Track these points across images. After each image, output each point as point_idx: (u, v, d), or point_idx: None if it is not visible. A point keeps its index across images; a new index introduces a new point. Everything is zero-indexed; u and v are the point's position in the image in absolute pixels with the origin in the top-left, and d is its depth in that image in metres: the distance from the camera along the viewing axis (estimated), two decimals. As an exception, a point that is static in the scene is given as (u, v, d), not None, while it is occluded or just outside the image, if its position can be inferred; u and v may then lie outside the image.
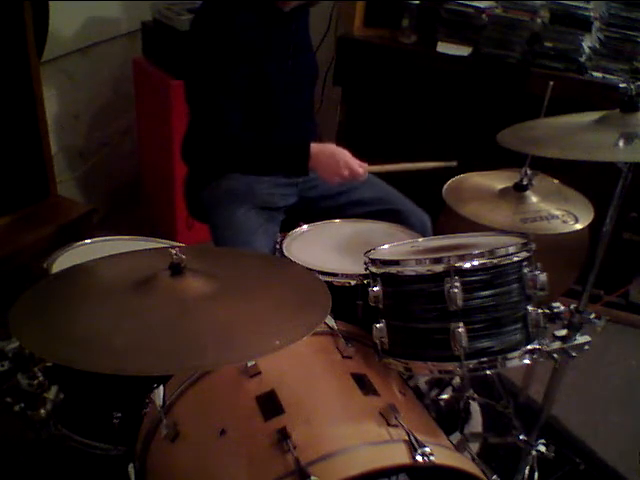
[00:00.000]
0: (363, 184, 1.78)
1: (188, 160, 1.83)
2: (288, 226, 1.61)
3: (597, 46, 2.38)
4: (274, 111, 1.68)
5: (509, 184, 1.50)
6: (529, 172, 1.45)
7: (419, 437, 0.93)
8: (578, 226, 1.38)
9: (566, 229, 1.37)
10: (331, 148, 1.59)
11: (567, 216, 1.40)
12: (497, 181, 1.55)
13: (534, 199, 1.47)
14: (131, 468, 1.10)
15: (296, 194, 1.78)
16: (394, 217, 1.69)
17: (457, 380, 1.61)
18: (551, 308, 1.29)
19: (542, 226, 1.37)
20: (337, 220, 1.67)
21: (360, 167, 1.58)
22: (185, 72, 1.72)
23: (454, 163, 1.60)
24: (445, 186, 1.54)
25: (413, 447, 0.91)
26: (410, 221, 1.69)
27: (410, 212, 1.73)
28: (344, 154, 1.58)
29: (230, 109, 1.58)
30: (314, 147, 1.58)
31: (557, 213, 1.41)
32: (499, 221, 1.38)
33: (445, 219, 1.72)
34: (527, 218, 1.40)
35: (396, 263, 1.14)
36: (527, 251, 1.14)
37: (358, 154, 1.79)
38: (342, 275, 1.33)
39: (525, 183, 1.46)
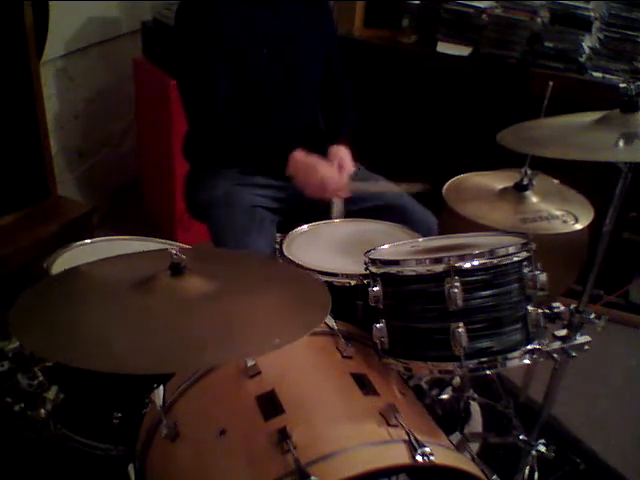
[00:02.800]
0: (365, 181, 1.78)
1: (189, 157, 1.83)
2: (288, 226, 1.61)
3: (597, 46, 2.38)
4: (260, 106, 1.70)
5: (509, 184, 1.50)
6: (529, 172, 1.45)
7: (419, 437, 0.93)
8: (578, 226, 1.38)
9: (566, 229, 1.37)
10: (313, 162, 1.58)
11: (567, 216, 1.40)
12: (497, 181, 1.55)
13: (534, 199, 1.47)
14: (131, 468, 1.09)
15: (294, 197, 1.77)
16: (397, 214, 1.66)
17: (457, 380, 1.61)
18: (551, 308, 1.29)
19: (542, 226, 1.37)
20: (337, 220, 1.67)
21: (338, 188, 1.57)
22: (173, 64, 1.76)
23: (427, 187, 1.58)
24: (445, 186, 1.54)
25: (413, 447, 0.91)
26: (414, 219, 1.66)
27: (414, 210, 1.70)
28: (325, 171, 1.57)
29: (215, 90, 1.62)
30: (297, 155, 1.58)
31: (557, 213, 1.41)
32: (499, 221, 1.38)
33: (445, 219, 1.72)
34: (527, 218, 1.40)
35: (396, 263, 1.14)
36: (527, 251, 1.14)
37: (358, 154, 1.79)
38: (342, 275, 1.33)
39: (525, 183, 1.46)
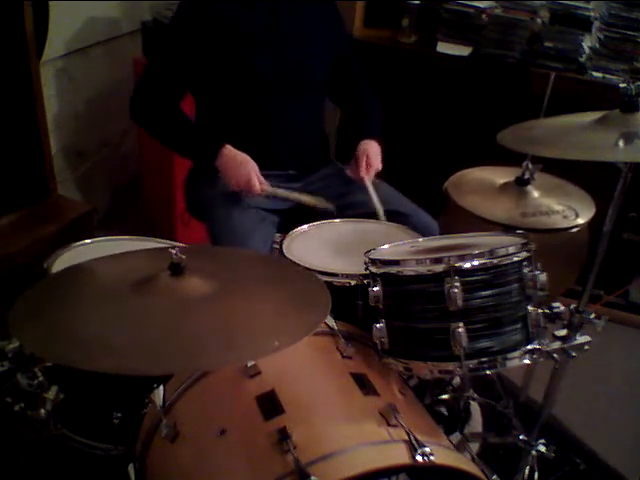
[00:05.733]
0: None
1: None
2: (287, 227, 1.61)
3: (597, 46, 2.38)
4: (261, 104, 1.70)
5: (510, 178, 1.50)
6: (530, 166, 1.45)
7: (419, 437, 0.93)
8: (579, 221, 1.38)
9: (566, 224, 1.37)
10: (243, 157, 1.62)
11: (567, 211, 1.40)
12: (499, 176, 1.56)
13: (535, 194, 1.47)
14: (131, 468, 1.09)
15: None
16: (400, 220, 1.65)
17: (457, 380, 1.61)
18: (551, 308, 1.29)
19: (542, 221, 1.37)
20: (337, 220, 1.66)
21: (260, 184, 1.61)
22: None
23: (331, 206, 1.66)
24: (448, 180, 1.55)
25: (413, 447, 0.91)
26: (417, 225, 1.64)
27: (417, 216, 1.69)
28: (252, 167, 1.61)
29: (163, 78, 1.67)
30: (228, 149, 1.61)
31: (558, 208, 1.41)
32: (499, 215, 1.38)
33: (446, 218, 1.72)
34: (527, 212, 1.40)
35: (396, 263, 1.14)
36: (527, 251, 1.14)
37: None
38: (342, 275, 1.33)
39: (527, 177, 1.46)
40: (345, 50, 1.86)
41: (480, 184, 1.55)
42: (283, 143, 1.74)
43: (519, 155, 1.34)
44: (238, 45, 1.63)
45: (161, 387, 1.11)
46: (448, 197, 1.52)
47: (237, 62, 1.64)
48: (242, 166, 1.60)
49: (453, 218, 1.61)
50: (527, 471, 1.49)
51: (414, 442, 0.91)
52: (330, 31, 1.80)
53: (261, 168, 1.71)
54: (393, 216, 1.66)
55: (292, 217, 1.73)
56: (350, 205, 1.73)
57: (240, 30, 1.63)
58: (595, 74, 2.38)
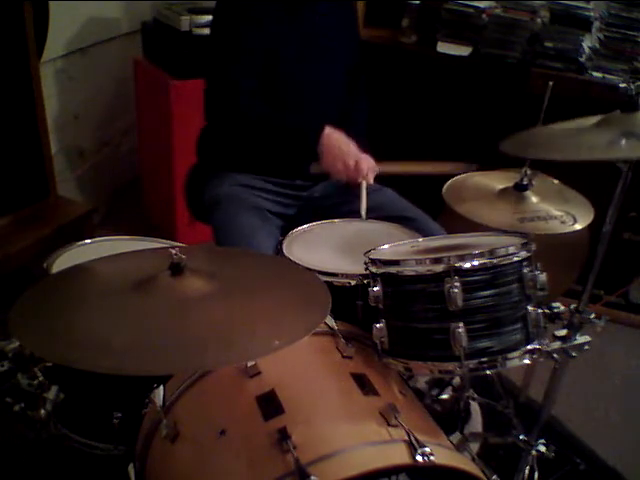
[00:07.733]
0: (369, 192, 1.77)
1: (201, 153, 1.83)
2: (288, 227, 1.61)
3: (597, 46, 2.38)
4: (280, 103, 1.68)
5: (509, 184, 1.50)
6: (529, 172, 1.45)
7: (419, 437, 0.93)
8: (577, 227, 1.38)
9: (564, 230, 1.37)
10: (345, 137, 1.58)
11: (566, 217, 1.40)
12: (497, 181, 1.55)
13: (534, 199, 1.47)
14: (131, 468, 1.10)
15: (297, 205, 1.77)
16: (403, 225, 1.63)
17: (457, 380, 1.61)
18: (551, 308, 1.29)
19: (540, 226, 1.37)
20: (337, 220, 1.66)
21: (370, 168, 1.56)
22: (205, 47, 1.74)
23: (473, 167, 1.54)
24: (445, 185, 1.54)
25: (413, 447, 0.91)
26: (425, 232, 1.61)
27: (422, 221, 1.67)
28: (355, 147, 1.58)
29: (242, 76, 1.60)
30: (332, 132, 1.57)
31: (556, 214, 1.41)
32: (497, 220, 1.38)
33: (445, 219, 1.72)
34: (525, 218, 1.40)
35: (396, 263, 1.14)
36: (527, 251, 1.14)
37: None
38: (342, 275, 1.33)
39: (525, 183, 1.46)
40: (356, 61, 1.86)
41: (478, 190, 1.54)
42: (295, 155, 1.73)
43: (518, 158, 1.33)
44: (267, 46, 1.61)
45: (161, 387, 1.11)
46: (447, 204, 1.52)
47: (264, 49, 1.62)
48: (346, 146, 1.55)
49: (451, 222, 1.61)
50: (527, 471, 1.49)
51: (414, 442, 0.91)
52: (349, 47, 1.81)
53: (269, 175, 1.71)
54: (397, 221, 1.65)
55: (296, 222, 1.73)
56: (353, 211, 1.73)
57: (272, 31, 1.61)
58: (595, 74, 2.38)
